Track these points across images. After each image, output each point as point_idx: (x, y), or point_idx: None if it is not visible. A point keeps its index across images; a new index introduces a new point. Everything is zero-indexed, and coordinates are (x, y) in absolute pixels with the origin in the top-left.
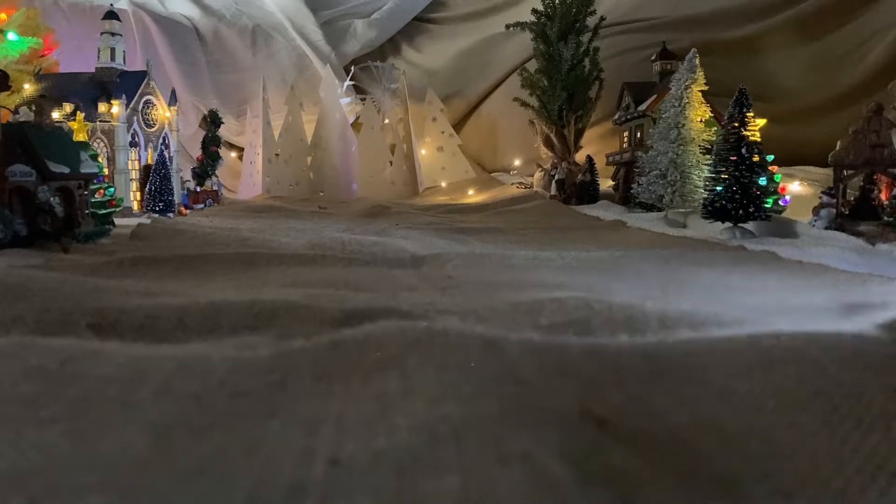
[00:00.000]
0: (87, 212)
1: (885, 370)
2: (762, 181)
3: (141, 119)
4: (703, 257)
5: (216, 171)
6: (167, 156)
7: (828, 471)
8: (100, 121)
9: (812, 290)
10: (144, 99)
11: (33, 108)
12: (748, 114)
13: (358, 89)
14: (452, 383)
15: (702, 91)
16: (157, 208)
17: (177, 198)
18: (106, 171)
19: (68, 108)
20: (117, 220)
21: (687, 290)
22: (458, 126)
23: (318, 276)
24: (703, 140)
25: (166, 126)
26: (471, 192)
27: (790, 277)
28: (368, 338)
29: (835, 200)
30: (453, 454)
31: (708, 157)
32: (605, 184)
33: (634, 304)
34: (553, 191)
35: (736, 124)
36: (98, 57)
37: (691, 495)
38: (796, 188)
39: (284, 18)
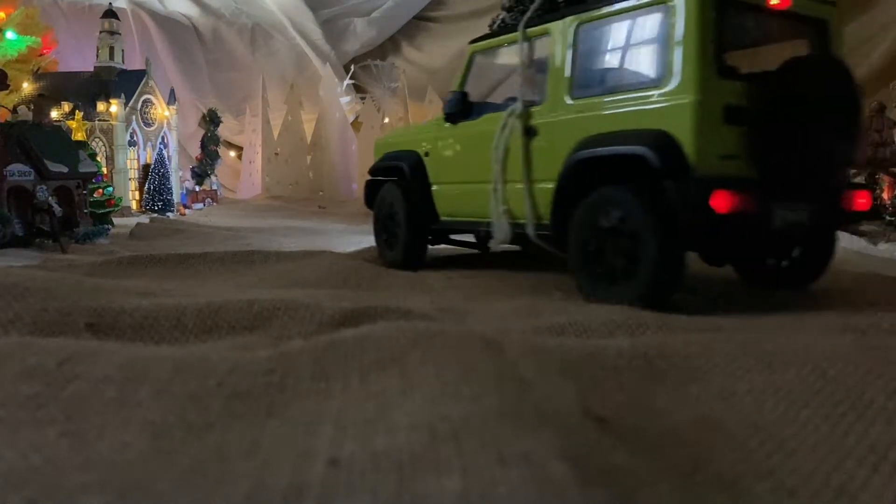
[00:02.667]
0: (85, 211)
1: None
2: None
3: (140, 118)
4: None
5: (215, 171)
6: (166, 155)
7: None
8: (99, 120)
9: None
10: (143, 98)
11: (32, 108)
12: None
13: (358, 88)
14: (452, 383)
15: None
16: (156, 207)
17: (176, 197)
18: (105, 170)
19: (67, 107)
20: (116, 220)
21: None
22: None
23: (318, 276)
24: None
25: (165, 125)
26: None
27: None
28: (368, 338)
29: None
30: (453, 454)
31: None
32: None
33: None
34: None
35: None
36: (97, 56)
37: (691, 494)
38: None
39: (284, 17)
